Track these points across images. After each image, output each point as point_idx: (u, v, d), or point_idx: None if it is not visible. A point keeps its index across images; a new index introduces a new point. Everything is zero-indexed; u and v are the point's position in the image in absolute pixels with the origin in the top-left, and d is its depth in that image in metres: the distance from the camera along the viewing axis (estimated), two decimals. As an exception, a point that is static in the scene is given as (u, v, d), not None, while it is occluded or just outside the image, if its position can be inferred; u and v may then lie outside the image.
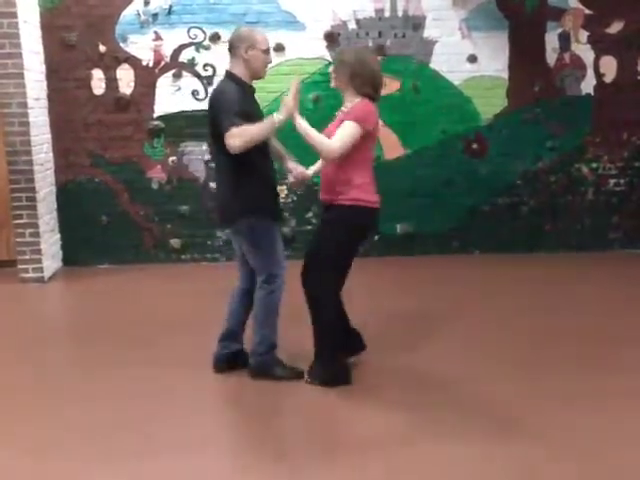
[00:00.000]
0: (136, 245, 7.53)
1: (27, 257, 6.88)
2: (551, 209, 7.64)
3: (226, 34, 6.69)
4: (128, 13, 7.18)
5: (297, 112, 4.12)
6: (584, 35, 7.40)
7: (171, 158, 7.38)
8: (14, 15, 6.55)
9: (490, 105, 7.46)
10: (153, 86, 7.29)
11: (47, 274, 6.99)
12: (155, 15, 7.19)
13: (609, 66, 7.46)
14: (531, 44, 7.40)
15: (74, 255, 7.51)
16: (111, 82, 7.26)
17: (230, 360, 4.49)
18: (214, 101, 4.15)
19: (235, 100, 4.04)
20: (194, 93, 7.23)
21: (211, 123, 4.14)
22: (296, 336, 4.67)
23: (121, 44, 7.21)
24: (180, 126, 7.25)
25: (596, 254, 7.52)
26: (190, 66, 7.26)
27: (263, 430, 3.78)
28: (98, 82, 7.26)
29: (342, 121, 4.14)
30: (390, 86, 7.11)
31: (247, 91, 4.22)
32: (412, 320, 5.44)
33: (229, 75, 4.25)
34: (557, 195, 7.63)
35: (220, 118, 4.04)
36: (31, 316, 5.99)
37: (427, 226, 7.54)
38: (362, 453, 3.48)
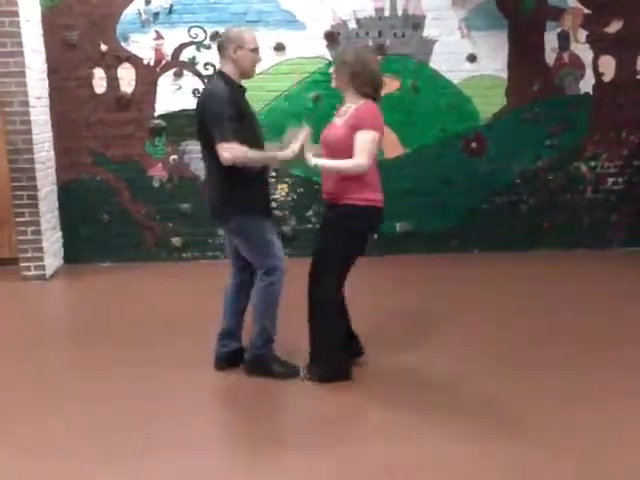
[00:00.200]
0: (137, 243, 7.55)
1: (29, 255, 6.91)
2: (550, 208, 7.67)
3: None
4: (129, 12, 7.19)
5: (310, 156, 4.15)
6: (583, 34, 7.43)
7: (172, 157, 7.40)
8: (16, 14, 6.56)
9: (489, 104, 7.48)
10: (154, 85, 7.31)
11: (49, 272, 7.02)
12: (156, 14, 7.21)
13: (608, 65, 7.48)
14: (530, 43, 7.42)
15: (75, 253, 7.53)
16: (112, 81, 7.28)
17: (230, 358, 4.51)
18: (205, 103, 4.13)
19: (226, 103, 4.04)
20: (195, 92, 7.23)
21: (200, 124, 4.15)
22: (294, 333, 4.68)
23: (122, 43, 7.23)
24: (181, 125, 7.26)
25: (595, 252, 7.55)
26: (191, 65, 7.28)
27: (263, 429, 3.80)
28: (99, 81, 7.28)
29: (351, 126, 4.14)
30: (390, 85, 7.12)
31: (237, 90, 4.23)
32: (411, 319, 5.47)
33: (219, 74, 4.27)
34: (556, 194, 7.66)
35: (212, 125, 4.04)
36: (32, 314, 6.01)
37: (427, 225, 7.57)
38: (361, 452, 3.50)
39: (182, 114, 7.29)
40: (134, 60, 7.26)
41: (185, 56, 7.27)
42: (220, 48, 4.27)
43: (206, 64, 7.27)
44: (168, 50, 7.27)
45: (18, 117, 6.72)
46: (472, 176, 7.55)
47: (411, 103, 7.38)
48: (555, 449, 3.47)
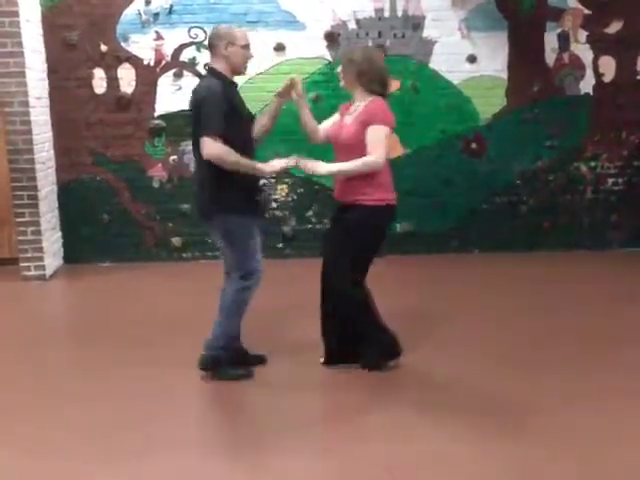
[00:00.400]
0: (137, 243, 7.56)
1: (29, 255, 6.91)
2: (550, 208, 7.67)
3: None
4: (129, 13, 7.20)
5: (320, 167, 4.20)
6: (583, 35, 7.43)
7: (172, 157, 7.40)
8: (16, 14, 6.57)
9: (489, 105, 7.49)
10: (154, 85, 7.31)
11: (49, 272, 7.02)
12: (156, 15, 7.21)
13: (608, 66, 7.49)
14: (530, 44, 7.42)
15: (75, 253, 7.53)
16: (112, 81, 7.28)
17: (232, 358, 4.49)
18: (199, 100, 4.12)
19: (219, 98, 4.04)
20: (195, 92, 7.23)
21: (195, 121, 4.14)
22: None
23: (122, 43, 7.23)
24: (181, 125, 7.24)
25: (595, 253, 7.56)
26: (191, 65, 7.29)
27: (263, 429, 3.81)
28: (99, 81, 7.28)
29: (361, 123, 4.17)
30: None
31: (229, 86, 4.23)
32: (411, 319, 5.46)
33: (210, 71, 4.27)
34: (556, 194, 7.66)
35: (203, 118, 4.05)
36: (32, 314, 6.01)
37: (427, 225, 7.57)
38: (362, 452, 3.51)
39: (182, 114, 7.26)
40: (134, 60, 7.26)
41: (185, 56, 7.27)
42: (211, 45, 4.26)
43: (206, 64, 7.23)
44: (168, 50, 7.28)
45: (18, 117, 6.72)
46: (472, 177, 7.55)
47: (411, 104, 7.38)
48: (555, 449, 3.47)
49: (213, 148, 4.02)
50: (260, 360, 4.60)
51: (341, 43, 7.31)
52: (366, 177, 4.20)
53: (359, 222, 4.25)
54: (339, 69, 4.44)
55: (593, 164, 7.64)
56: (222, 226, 4.23)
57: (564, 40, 7.44)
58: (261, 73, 7.26)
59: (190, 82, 7.26)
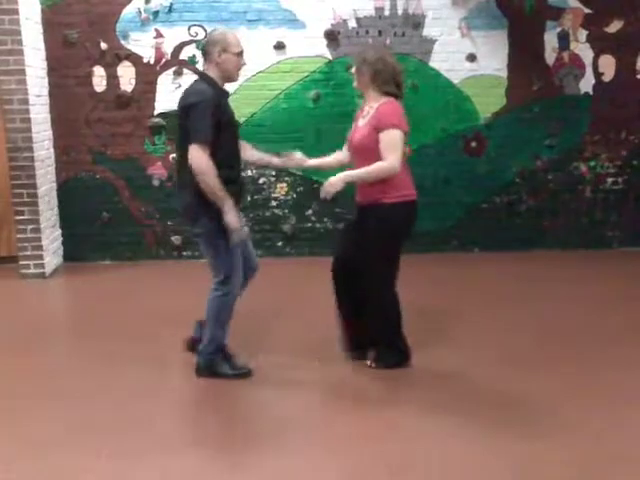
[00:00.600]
0: (137, 242, 7.55)
1: (28, 253, 6.91)
2: (550, 207, 7.67)
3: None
4: (129, 11, 7.19)
5: (336, 183, 4.18)
6: (583, 34, 7.42)
7: (172, 155, 7.37)
8: (16, 12, 6.56)
9: (489, 104, 7.48)
10: (154, 83, 7.30)
11: (48, 270, 7.02)
12: (156, 13, 7.20)
13: (608, 65, 7.48)
14: (530, 43, 7.42)
15: (75, 251, 7.53)
16: (112, 79, 7.27)
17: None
18: (188, 105, 4.07)
19: (210, 106, 4.01)
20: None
21: (182, 124, 4.11)
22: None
23: (122, 41, 7.22)
24: (181, 123, 7.25)
25: (594, 252, 7.55)
26: (191, 63, 7.27)
27: (263, 428, 3.81)
28: (99, 79, 7.27)
29: (373, 127, 4.17)
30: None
31: (221, 94, 4.20)
32: (411, 318, 5.44)
33: (202, 76, 4.24)
34: (556, 193, 7.66)
35: (193, 125, 4.01)
36: (31, 312, 6.00)
37: (426, 224, 7.54)
38: (361, 450, 3.52)
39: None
40: (134, 58, 7.25)
41: (185, 55, 7.26)
42: (204, 51, 4.24)
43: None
44: (168, 48, 7.26)
45: (18, 115, 6.71)
46: (472, 175, 7.55)
47: (411, 102, 7.34)
48: (555, 449, 3.47)
49: (201, 161, 3.98)
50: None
51: (341, 42, 7.30)
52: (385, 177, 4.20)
53: (381, 221, 4.26)
54: (353, 69, 4.43)
55: (593, 163, 7.64)
56: (205, 230, 4.19)
57: (564, 39, 7.43)
58: (261, 72, 7.26)
59: (190, 80, 7.22)
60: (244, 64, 4.32)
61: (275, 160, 4.77)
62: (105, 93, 7.31)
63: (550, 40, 7.42)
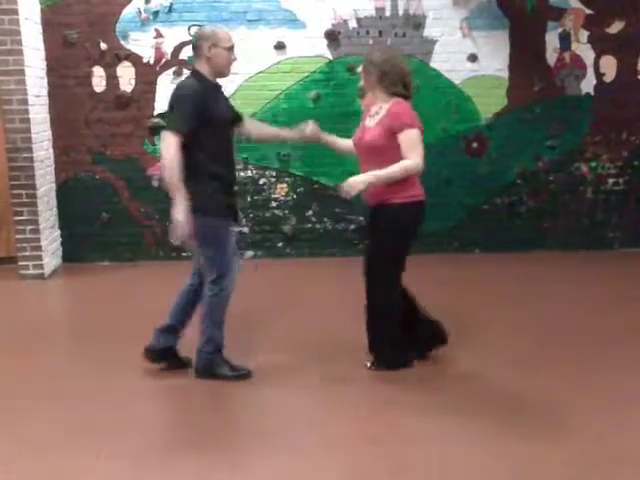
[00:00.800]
0: (136, 242, 7.53)
1: (27, 254, 6.89)
2: (551, 208, 7.66)
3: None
4: (129, 11, 7.18)
5: (357, 184, 4.14)
6: (584, 35, 7.41)
7: (171, 156, 7.38)
8: (15, 12, 6.55)
9: (490, 104, 7.47)
10: (154, 83, 7.29)
11: (47, 271, 7.00)
12: (156, 13, 7.19)
13: (609, 66, 7.48)
14: (531, 43, 7.41)
15: (74, 252, 7.51)
16: (112, 79, 7.27)
17: (161, 354, 4.46)
18: (173, 98, 4.10)
19: (192, 98, 4.00)
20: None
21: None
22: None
23: (122, 41, 7.22)
24: (180, 124, 7.24)
25: (595, 253, 7.54)
26: (191, 64, 7.23)
27: (263, 429, 3.79)
28: (99, 79, 7.26)
29: (387, 128, 4.16)
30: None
31: (211, 88, 4.18)
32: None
33: (193, 72, 4.23)
34: (557, 194, 7.65)
35: (172, 115, 4.06)
36: (31, 313, 5.98)
37: (427, 225, 7.46)
38: (361, 450, 3.50)
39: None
40: (134, 58, 7.25)
41: (185, 55, 7.24)
42: (194, 46, 4.23)
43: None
44: (168, 49, 7.26)
45: (17, 115, 6.71)
46: (473, 176, 7.54)
47: (412, 103, 7.33)
48: (555, 449, 3.45)
49: (169, 148, 3.97)
50: (185, 364, 4.52)
51: (342, 42, 7.29)
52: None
53: (390, 221, 4.25)
54: (359, 69, 4.41)
55: (594, 164, 7.63)
56: (196, 227, 4.16)
57: (565, 40, 7.42)
58: (261, 72, 7.25)
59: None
60: (235, 59, 4.30)
61: (290, 133, 4.75)
62: (105, 93, 7.30)
63: (551, 41, 7.41)
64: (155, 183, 7.42)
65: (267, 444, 3.59)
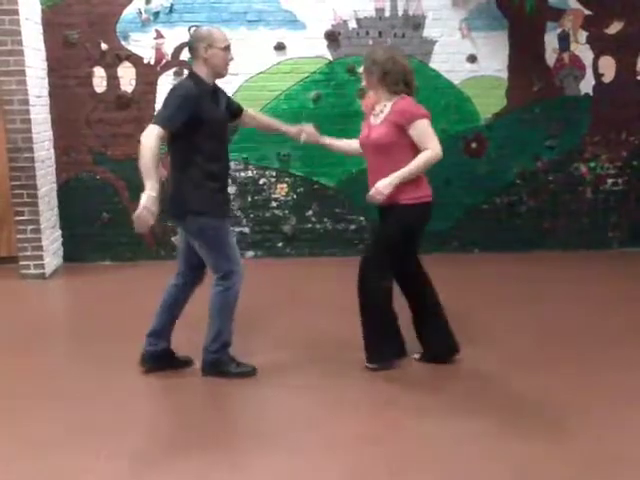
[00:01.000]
0: (137, 242, 7.53)
1: (28, 253, 6.91)
2: (550, 208, 7.67)
3: (228, 33, 6.71)
4: (129, 11, 7.20)
5: (383, 189, 4.15)
6: (583, 35, 7.43)
7: (172, 156, 7.39)
8: (16, 12, 6.56)
9: (489, 105, 7.49)
10: (154, 84, 7.31)
11: (48, 271, 7.02)
12: (156, 13, 7.21)
13: (608, 66, 7.49)
14: (531, 44, 7.42)
15: (75, 252, 7.53)
16: (112, 80, 7.28)
17: (156, 358, 4.47)
18: (166, 96, 4.12)
19: (185, 99, 4.01)
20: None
21: None
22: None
23: (122, 42, 7.23)
24: (181, 124, 7.25)
25: (595, 253, 7.55)
26: (191, 64, 7.26)
27: (263, 428, 3.80)
28: (99, 80, 7.28)
29: (394, 124, 4.17)
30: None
31: (206, 91, 4.16)
32: (410, 318, 5.45)
33: (190, 74, 4.23)
34: (556, 194, 7.66)
35: (160, 109, 4.10)
36: (32, 313, 5.99)
37: (427, 225, 7.53)
38: (361, 450, 3.51)
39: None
40: (134, 59, 7.26)
41: (185, 55, 7.22)
42: (190, 48, 4.23)
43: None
44: (168, 49, 7.27)
45: (18, 116, 6.72)
46: (472, 176, 7.55)
47: (412, 102, 7.37)
48: (555, 449, 3.46)
49: (149, 136, 3.97)
50: (186, 363, 4.55)
51: (341, 42, 7.31)
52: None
53: (400, 221, 4.27)
54: (361, 69, 4.42)
55: (593, 164, 7.64)
56: (195, 227, 4.19)
57: (564, 40, 7.43)
58: (261, 72, 7.27)
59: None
60: (232, 59, 4.29)
61: (288, 129, 4.72)
62: (105, 94, 7.31)
63: (550, 41, 7.42)
64: (155, 183, 7.42)
65: (267, 444, 3.60)
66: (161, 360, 4.48)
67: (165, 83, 7.26)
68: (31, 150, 6.78)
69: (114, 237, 7.50)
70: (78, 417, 3.92)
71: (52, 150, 7.35)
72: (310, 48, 7.30)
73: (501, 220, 7.65)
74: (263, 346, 4.92)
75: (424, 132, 4.18)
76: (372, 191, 4.22)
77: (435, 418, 3.84)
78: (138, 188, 7.32)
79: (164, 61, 7.28)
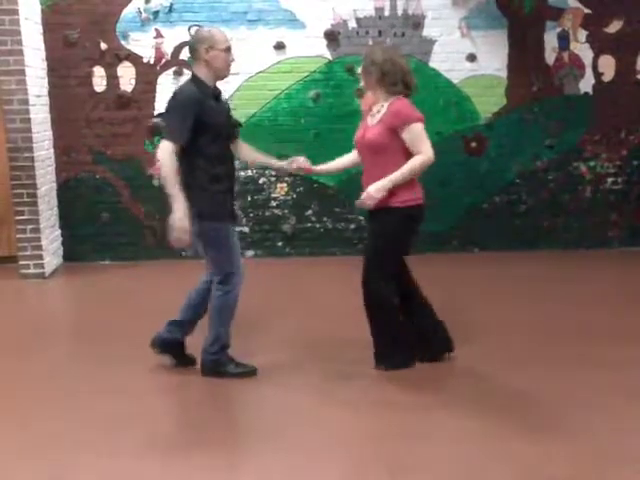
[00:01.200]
0: (137, 242, 7.55)
1: (28, 253, 6.91)
2: (550, 207, 7.68)
3: (227, 32, 6.71)
4: (129, 11, 7.20)
5: (374, 193, 4.15)
6: (583, 34, 7.43)
7: (172, 155, 7.39)
8: (15, 12, 6.57)
9: (489, 104, 7.49)
10: (154, 83, 7.31)
11: (48, 270, 7.02)
12: (156, 13, 7.21)
13: (608, 65, 7.49)
14: (530, 43, 7.42)
15: (75, 251, 7.53)
16: (112, 79, 7.28)
17: (166, 345, 4.50)
18: (169, 104, 4.11)
19: (191, 107, 4.00)
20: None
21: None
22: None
23: (122, 41, 7.23)
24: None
25: (594, 252, 7.56)
26: (191, 64, 7.25)
27: (263, 428, 3.80)
28: (99, 79, 7.28)
29: (388, 126, 4.16)
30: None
31: (208, 94, 4.15)
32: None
33: (192, 77, 4.21)
34: (556, 193, 7.67)
35: (168, 122, 4.09)
36: (31, 312, 6.00)
37: (427, 224, 7.47)
38: (361, 450, 3.52)
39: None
40: (134, 58, 7.26)
41: (185, 55, 7.24)
42: (191, 50, 4.22)
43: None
44: (168, 49, 7.27)
45: (18, 115, 6.72)
46: (472, 176, 7.55)
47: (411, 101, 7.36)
48: (555, 449, 3.46)
49: (166, 156, 3.99)
50: (190, 361, 4.54)
51: (341, 42, 7.31)
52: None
53: (390, 224, 4.26)
54: (360, 70, 4.40)
55: (593, 163, 7.65)
56: (199, 231, 4.18)
57: (564, 39, 7.44)
58: (261, 72, 7.27)
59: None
60: (233, 60, 4.28)
61: (276, 163, 4.78)
62: (105, 93, 7.31)
63: (550, 40, 7.43)
64: (156, 182, 7.42)
65: (267, 443, 3.60)
66: (170, 349, 4.51)
67: (165, 82, 7.28)
68: (31, 150, 6.78)
69: (114, 237, 7.51)
70: (78, 416, 3.93)
71: (52, 150, 7.35)
72: (310, 47, 7.31)
73: (501, 219, 7.65)
74: (263, 345, 4.92)
75: (417, 136, 4.16)
76: (363, 195, 4.21)
77: (435, 418, 3.84)
78: (137, 187, 7.44)
79: (164, 60, 7.28)
